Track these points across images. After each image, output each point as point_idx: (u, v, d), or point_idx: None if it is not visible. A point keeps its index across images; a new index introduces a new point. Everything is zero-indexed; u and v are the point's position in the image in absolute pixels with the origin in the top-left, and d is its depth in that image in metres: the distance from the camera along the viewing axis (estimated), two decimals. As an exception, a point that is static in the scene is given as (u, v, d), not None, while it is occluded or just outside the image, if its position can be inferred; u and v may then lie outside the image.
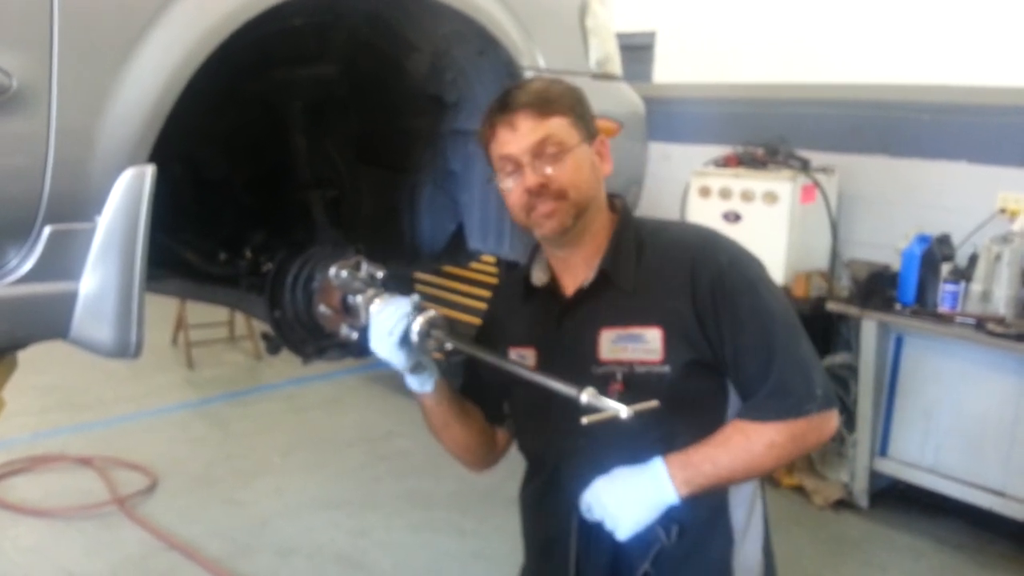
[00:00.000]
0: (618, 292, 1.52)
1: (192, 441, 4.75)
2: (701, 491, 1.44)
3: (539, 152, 1.48)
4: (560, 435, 1.55)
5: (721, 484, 1.47)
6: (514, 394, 1.67)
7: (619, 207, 1.61)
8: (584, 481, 1.48)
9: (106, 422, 4.92)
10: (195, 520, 3.83)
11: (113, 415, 5.02)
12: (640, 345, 1.48)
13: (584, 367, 1.50)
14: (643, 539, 1.47)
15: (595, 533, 1.51)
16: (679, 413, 1.44)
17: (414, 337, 1.48)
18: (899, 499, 4.14)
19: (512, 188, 1.51)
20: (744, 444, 1.44)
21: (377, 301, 1.58)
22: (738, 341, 1.45)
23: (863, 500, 4.07)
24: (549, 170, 1.47)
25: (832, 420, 1.47)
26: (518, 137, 1.48)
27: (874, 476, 4.05)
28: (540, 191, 1.48)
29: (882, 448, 4.01)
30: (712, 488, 1.46)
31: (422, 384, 1.59)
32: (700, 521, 1.51)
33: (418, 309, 1.50)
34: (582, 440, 1.49)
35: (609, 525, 1.45)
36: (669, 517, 1.46)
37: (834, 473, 4.16)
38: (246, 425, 5.00)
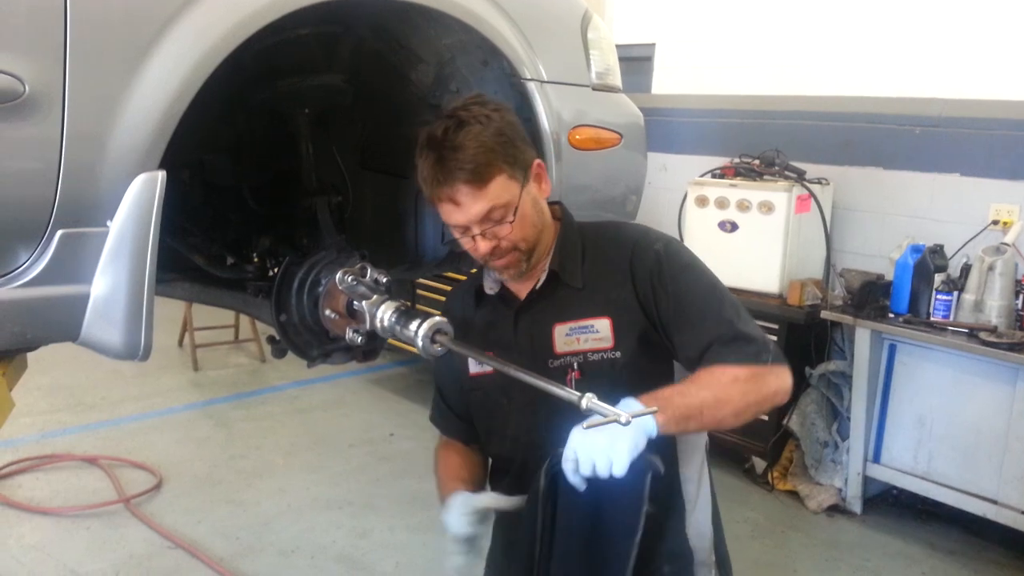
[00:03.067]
0: (568, 290, 1.64)
1: (197, 441, 4.79)
2: (675, 424, 1.44)
3: (486, 219, 1.54)
4: (523, 431, 1.65)
5: (692, 419, 1.47)
6: (472, 402, 1.75)
7: (559, 214, 1.71)
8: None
9: (112, 422, 4.97)
10: (199, 519, 3.88)
11: (119, 415, 5.07)
12: (591, 335, 1.60)
13: (543, 361, 1.61)
14: (630, 497, 1.41)
15: (571, 498, 1.45)
16: (631, 395, 1.48)
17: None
18: (892, 505, 4.19)
19: (466, 244, 1.59)
20: (709, 379, 1.50)
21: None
22: (686, 314, 1.55)
23: (856, 506, 4.11)
24: (498, 232, 1.55)
25: (788, 376, 1.55)
26: (463, 210, 1.53)
27: (867, 482, 4.10)
28: (493, 252, 1.57)
29: (875, 454, 4.05)
30: (684, 423, 1.46)
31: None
32: (660, 496, 1.51)
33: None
34: (544, 433, 1.54)
35: (602, 466, 1.35)
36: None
37: (828, 479, 4.20)
38: (250, 426, 5.05)
